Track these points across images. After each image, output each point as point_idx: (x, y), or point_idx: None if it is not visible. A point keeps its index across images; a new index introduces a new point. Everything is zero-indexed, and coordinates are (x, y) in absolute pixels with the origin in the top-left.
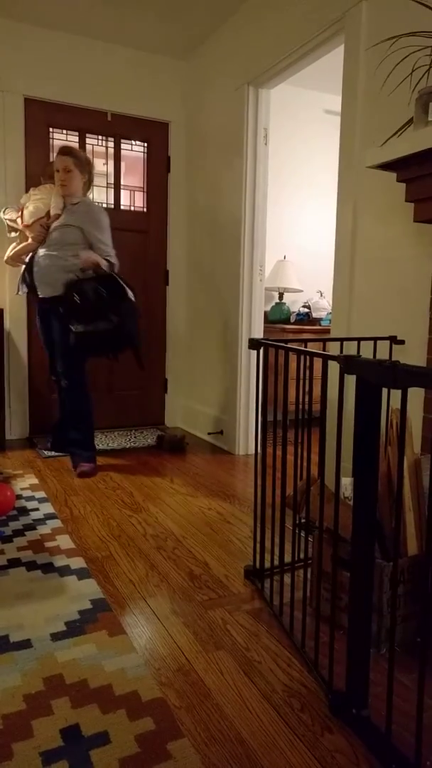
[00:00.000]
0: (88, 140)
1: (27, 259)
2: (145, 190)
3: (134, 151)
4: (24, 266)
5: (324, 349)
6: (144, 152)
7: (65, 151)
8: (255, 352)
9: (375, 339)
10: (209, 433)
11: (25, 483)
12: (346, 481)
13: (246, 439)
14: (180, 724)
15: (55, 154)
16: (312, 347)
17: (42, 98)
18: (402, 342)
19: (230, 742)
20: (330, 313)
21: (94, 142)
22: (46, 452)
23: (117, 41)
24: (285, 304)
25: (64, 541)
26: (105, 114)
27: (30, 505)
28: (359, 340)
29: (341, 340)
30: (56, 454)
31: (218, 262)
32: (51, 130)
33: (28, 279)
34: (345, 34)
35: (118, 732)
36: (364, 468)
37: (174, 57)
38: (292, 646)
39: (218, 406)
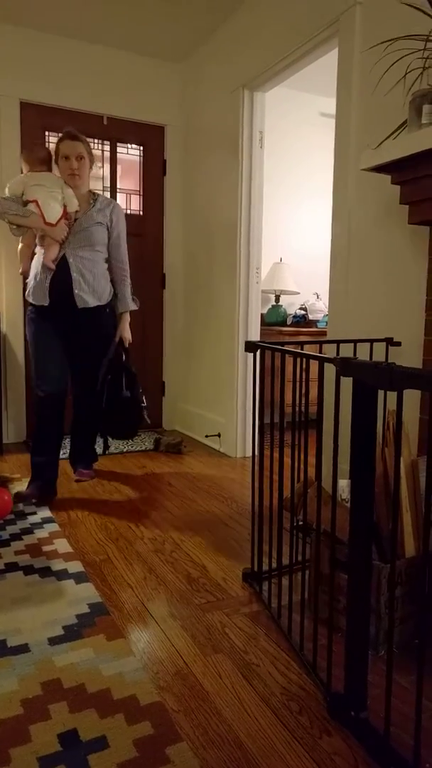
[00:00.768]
0: None
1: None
2: (141, 193)
3: (130, 154)
4: (47, 274)
5: (320, 352)
6: (140, 155)
7: (74, 135)
8: (252, 354)
9: (371, 341)
10: (206, 436)
11: (23, 486)
12: (343, 483)
13: (243, 442)
14: (178, 728)
15: (58, 139)
16: (308, 349)
17: (38, 102)
18: (398, 344)
19: (229, 746)
20: (326, 315)
21: (90, 145)
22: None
23: (113, 45)
24: (281, 306)
25: (62, 545)
26: (101, 117)
27: (27, 509)
28: (355, 342)
29: (337, 342)
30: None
31: (215, 264)
32: (47, 133)
33: (55, 287)
34: (339, 37)
35: (117, 736)
36: (361, 470)
37: (170, 61)
38: (290, 649)
39: (215, 409)
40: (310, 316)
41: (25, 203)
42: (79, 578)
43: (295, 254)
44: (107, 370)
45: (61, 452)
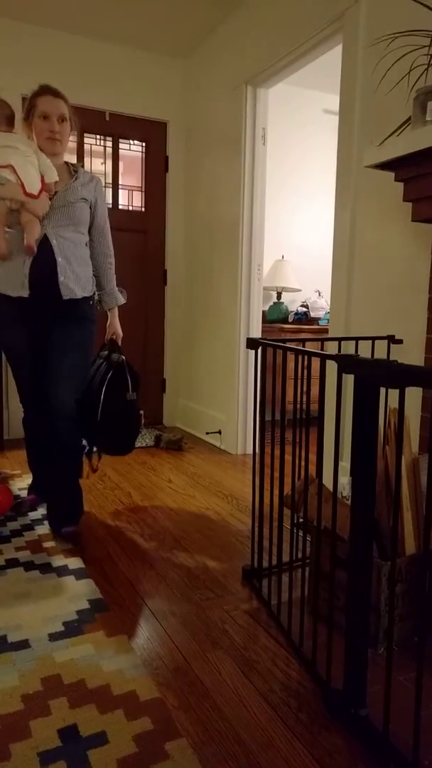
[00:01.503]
0: (86, 140)
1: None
2: (143, 189)
3: (132, 150)
4: (24, 258)
5: (322, 349)
6: (142, 152)
7: (55, 91)
8: (253, 351)
9: (373, 338)
10: (207, 433)
11: (23, 483)
12: (344, 481)
13: (244, 439)
14: (178, 724)
15: (32, 93)
16: (310, 347)
17: None
18: (400, 341)
19: (228, 742)
20: (328, 312)
21: (92, 141)
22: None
23: (115, 40)
24: (283, 303)
25: (62, 541)
26: (103, 113)
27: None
28: (357, 339)
29: (339, 339)
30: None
31: (216, 261)
32: None
33: (35, 275)
34: (343, 33)
35: (116, 732)
36: (362, 467)
37: (172, 56)
38: (290, 646)
39: (216, 406)
40: (312, 314)
41: None
42: (79, 574)
43: (297, 251)
44: (106, 371)
45: (40, 511)
